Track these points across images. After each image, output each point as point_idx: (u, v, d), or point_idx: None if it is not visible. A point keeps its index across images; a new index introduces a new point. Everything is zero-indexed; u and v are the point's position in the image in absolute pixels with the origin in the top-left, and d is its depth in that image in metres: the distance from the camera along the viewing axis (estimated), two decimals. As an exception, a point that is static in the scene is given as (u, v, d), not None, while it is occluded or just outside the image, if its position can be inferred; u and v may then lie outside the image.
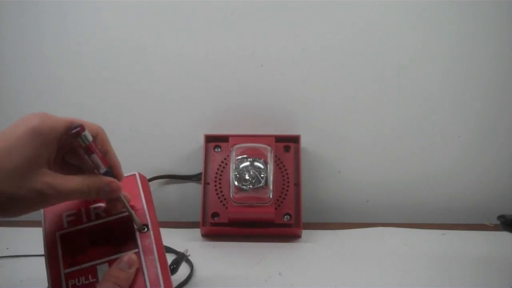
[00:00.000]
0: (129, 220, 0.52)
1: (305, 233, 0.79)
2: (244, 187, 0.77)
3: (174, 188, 0.90)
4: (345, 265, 0.69)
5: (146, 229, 0.51)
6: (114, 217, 0.52)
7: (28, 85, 0.88)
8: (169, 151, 0.89)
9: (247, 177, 0.77)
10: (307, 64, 0.86)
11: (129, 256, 0.49)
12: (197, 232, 0.80)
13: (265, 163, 0.78)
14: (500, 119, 0.86)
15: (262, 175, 0.77)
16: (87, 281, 0.48)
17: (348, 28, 0.85)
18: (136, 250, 0.50)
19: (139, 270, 0.49)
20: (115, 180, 0.49)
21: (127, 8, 0.86)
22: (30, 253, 0.71)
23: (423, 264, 0.68)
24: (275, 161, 0.80)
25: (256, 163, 0.77)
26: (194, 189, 0.89)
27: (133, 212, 0.51)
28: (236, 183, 0.77)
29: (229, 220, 0.77)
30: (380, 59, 0.85)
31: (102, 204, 0.53)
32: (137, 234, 0.51)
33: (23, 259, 0.70)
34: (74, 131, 0.46)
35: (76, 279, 0.48)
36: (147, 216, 0.52)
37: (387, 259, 0.70)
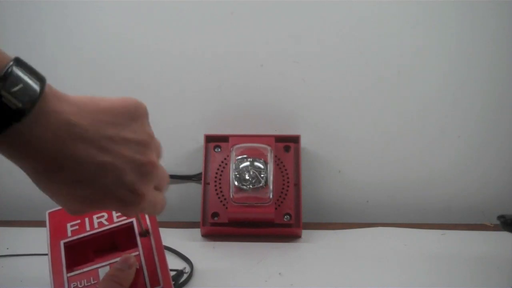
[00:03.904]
0: (130, 227, 0.54)
1: (305, 233, 0.79)
2: (244, 187, 0.77)
3: (174, 188, 0.90)
4: (345, 265, 0.69)
5: (147, 234, 0.53)
6: (116, 224, 0.54)
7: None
8: (169, 151, 0.89)
9: (247, 177, 0.77)
10: (307, 64, 0.86)
11: (128, 256, 0.51)
12: (197, 232, 0.80)
13: (265, 163, 0.78)
14: (500, 119, 0.86)
15: (262, 175, 0.77)
16: (89, 283, 0.50)
17: (348, 28, 0.85)
18: (137, 253, 0.52)
19: (139, 271, 0.50)
20: None
21: (127, 8, 0.86)
22: (30, 253, 0.71)
23: (423, 264, 0.68)
24: (275, 161, 0.80)
25: (256, 163, 0.77)
26: (194, 189, 0.89)
27: (139, 217, 0.53)
28: (236, 183, 0.77)
29: (229, 220, 0.77)
30: (380, 59, 0.85)
31: (105, 214, 0.55)
32: (138, 238, 0.53)
33: (23, 258, 0.70)
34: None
35: (78, 282, 0.50)
36: (148, 222, 0.54)
37: (387, 259, 0.70)
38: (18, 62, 0.33)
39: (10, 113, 0.31)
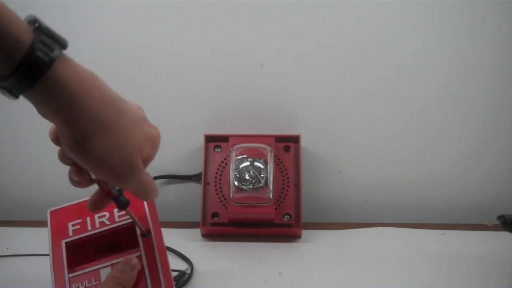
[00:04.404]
0: (132, 226, 0.54)
1: (305, 233, 0.79)
2: (244, 187, 0.77)
3: (174, 188, 0.90)
4: (345, 265, 0.69)
5: (149, 234, 0.53)
6: (118, 224, 0.54)
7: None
8: (169, 151, 0.89)
9: (247, 177, 0.77)
10: (307, 64, 0.86)
11: (130, 258, 0.50)
12: (197, 232, 0.80)
13: (265, 163, 0.78)
14: (500, 119, 0.86)
15: (262, 175, 0.77)
16: (90, 284, 0.50)
17: (348, 28, 0.85)
18: (138, 254, 0.52)
19: (141, 272, 0.50)
20: None
21: (127, 8, 0.86)
22: (30, 253, 0.71)
23: (423, 264, 0.68)
24: (275, 161, 0.80)
25: (256, 163, 0.77)
26: (194, 189, 0.89)
27: (136, 219, 0.52)
28: (236, 183, 0.77)
29: (229, 220, 0.77)
30: (380, 59, 0.85)
31: (106, 213, 0.55)
32: (140, 239, 0.53)
33: (23, 259, 0.70)
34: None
35: (80, 283, 0.50)
36: (150, 223, 0.54)
37: (387, 259, 0.70)
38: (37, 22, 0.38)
39: (50, 53, 0.36)
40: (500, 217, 0.58)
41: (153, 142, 0.46)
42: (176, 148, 0.89)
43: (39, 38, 0.36)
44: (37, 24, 0.37)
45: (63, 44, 0.38)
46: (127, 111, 0.43)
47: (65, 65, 0.38)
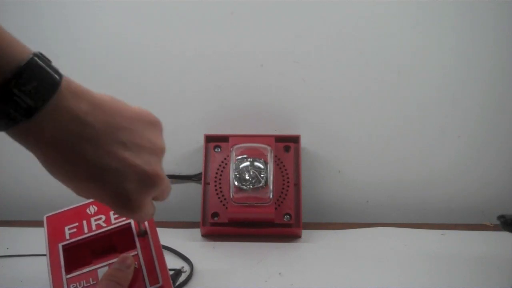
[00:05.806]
0: (128, 228, 0.54)
1: (305, 233, 0.79)
2: (244, 187, 0.77)
3: (174, 188, 0.90)
4: (345, 265, 0.69)
5: (145, 234, 0.54)
6: (114, 226, 0.55)
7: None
8: (169, 151, 0.89)
9: (247, 177, 0.77)
10: (307, 64, 0.86)
11: (126, 257, 0.51)
12: (197, 232, 0.80)
13: (265, 163, 0.78)
14: (500, 119, 0.86)
15: (262, 175, 0.77)
16: (88, 284, 0.50)
17: (348, 28, 0.85)
18: (135, 253, 0.52)
19: (138, 270, 0.51)
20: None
21: (127, 8, 0.86)
22: (30, 253, 0.71)
23: (423, 264, 0.68)
24: (275, 161, 0.80)
25: (256, 163, 0.77)
26: (194, 189, 0.89)
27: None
28: (236, 183, 0.77)
29: (229, 220, 0.77)
30: (380, 59, 0.85)
31: (102, 216, 0.55)
32: (136, 238, 0.53)
33: (23, 259, 0.70)
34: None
35: (78, 283, 0.51)
36: (146, 224, 0.54)
37: (387, 259, 0.70)
38: (36, 57, 0.33)
39: (20, 112, 0.32)
40: (500, 217, 0.58)
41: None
42: (176, 148, 0.89)
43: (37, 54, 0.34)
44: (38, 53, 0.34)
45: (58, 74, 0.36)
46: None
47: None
